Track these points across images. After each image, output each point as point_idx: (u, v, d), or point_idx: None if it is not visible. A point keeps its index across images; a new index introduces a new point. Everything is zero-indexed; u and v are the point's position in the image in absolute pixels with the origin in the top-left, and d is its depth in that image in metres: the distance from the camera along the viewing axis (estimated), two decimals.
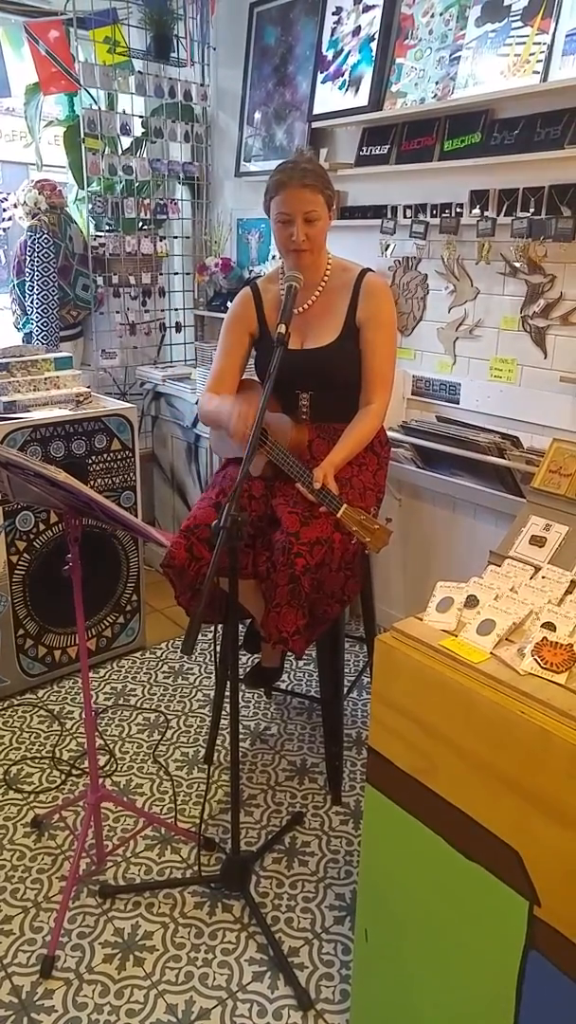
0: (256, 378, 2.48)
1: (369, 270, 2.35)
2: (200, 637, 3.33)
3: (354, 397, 2.35)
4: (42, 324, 3.55)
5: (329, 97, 3.07)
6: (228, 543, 1.72)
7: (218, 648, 2.35)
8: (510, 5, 2.42)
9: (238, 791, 2.03)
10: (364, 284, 2.31)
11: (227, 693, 2.09)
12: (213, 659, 3.19)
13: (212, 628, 3.15)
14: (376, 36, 2.86)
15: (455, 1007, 1.39)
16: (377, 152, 2.95)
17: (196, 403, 3.52)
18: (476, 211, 2.62)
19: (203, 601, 1.65)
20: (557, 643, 1.25)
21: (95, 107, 3.45)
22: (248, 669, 2.70)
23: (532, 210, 2.46)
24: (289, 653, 2.94)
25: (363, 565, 2.27)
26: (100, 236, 3.67)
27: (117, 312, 3.81)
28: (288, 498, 2.20)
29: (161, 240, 3.85)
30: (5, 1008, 1.80)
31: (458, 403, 2.88)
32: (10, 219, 3.66)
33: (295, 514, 2.12)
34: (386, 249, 2.98)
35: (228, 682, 1.93)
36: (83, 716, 2.82)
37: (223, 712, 2.53)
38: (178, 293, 4.09)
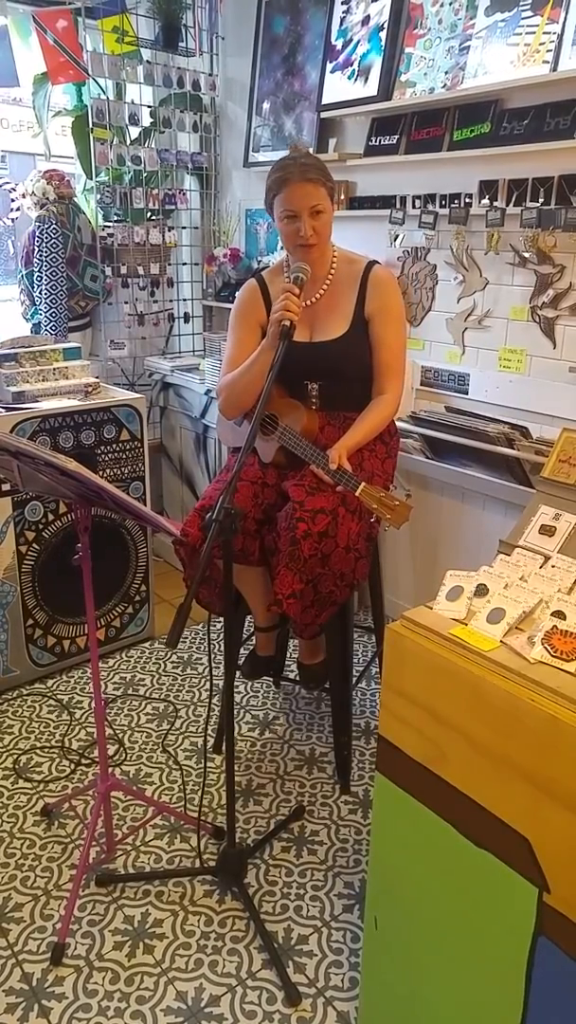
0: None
1: (375, 262, 2.35)
2: (203, 628, 3.36)
3: (363, 387, 2.36)
4: (50, 314, 3.55)
5: (338, 87, 3.06)
6: (221, 536, 1.72)
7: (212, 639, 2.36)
8: None
9: (233, 787, 2.03)
10: (372, 277, 2.31)
11: (221, 683, 2.09)
12: (218, 650, 3.19)
13: (214, 620, 3.16)
14: (385, 25, 2.85)
15: (464, 994, 1.40)
16: (386, 142, 2.94)
17: (212, 393, 3.52)
18: (485, 201, 2.61)
19: (189, 597, 1.65)
20: (567, 631, 1.25)
21: (103, 97, 3.44)
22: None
23: (541, 200, 2.45)
24: (292, 641, 2.94)
25: (372, 551, 2.27)
26: (108, 226, 3.67)
27: (125, 302, 3.81)
28: (299, 478, 2.21)
29: (169, 230, 3.85)
30: (16, 995, 1.81)
31: (467, 393, 2.87)
32: (18, 209, 3.66)
33: (301, 486, 2.16)
34: (395, 239, 2.98)
35: (225, 672, 1.94)
36: (92, 706, 2.83)
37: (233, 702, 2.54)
38: (186, 283, 4.09)
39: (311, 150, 3.14)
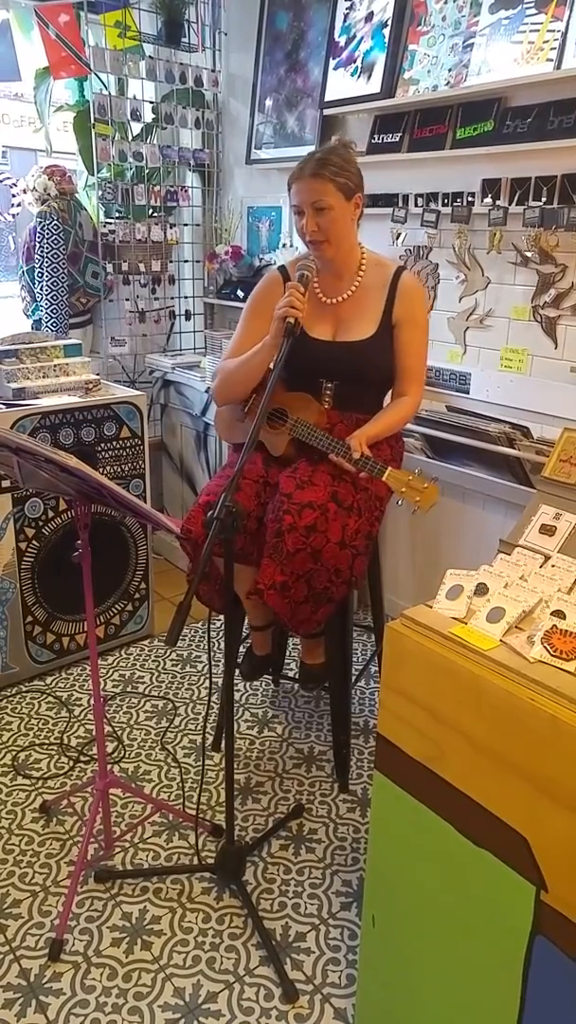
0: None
1: (403, 268, 2.34)
2: (203, 627, 3.36)
3: (379, 391, 2.37)
4: (51, 311, 3.55)
5: (341, 84, 3.05)
6: (222, 534, 1.72)
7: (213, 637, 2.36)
8: None
9: (232, 784, 2.03)
10: (401, 284, 2.30)
11: (220, 681, 2.09)
12: (218, 648, 3.19)
13: (214, 618, 3.16)
14: (389, 22, 2.84)
15: (461, 992, 1.40)
16: (389, 140, 2.93)
17: (208, 389, 3.52)
18: (488, 200, 2.61)
19: (189, 595, 1.65)
20: (567, 631, 1.25)
21: (105, 92, 3.44)
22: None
23: (544, 199, 2.45)
24: (293, 640, 2.94)
25: (372, 549, 2.26)
26: (110, 223, 3.66)
27: (127, 299, 3.81)
28: (292, 470, 2.22)
29: (171, 227, 3.84)
30: (14, 991, 1.82)
31: (468, 393, 2.87)
32: (19, 205, 3.65)
33: (293, 478, 2.16)
34: (397, 238, 2.97)
35: (224, 670, 1.94)
36: (91, 703, 2.84)
37: (232, 700, 2.54)
38: (188, 281, 4.09)
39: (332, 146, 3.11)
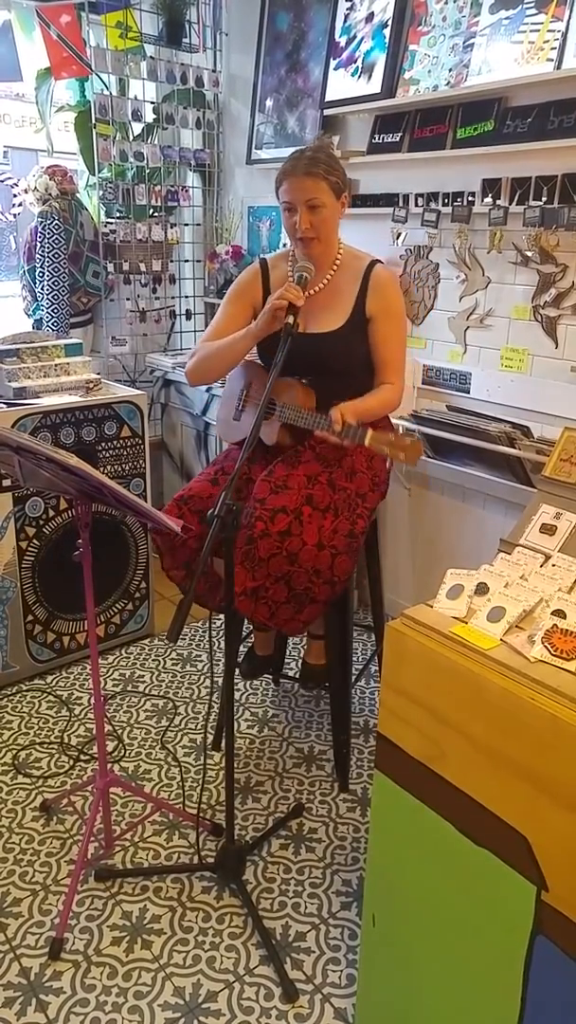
0: (255, 360, 2.49)
1: (378, 261, 2.35)
2: (203, 625, 3.36)
3: (352, 383, 2.37)
4: (52, 310, 3.55)
5: (341, 84, 3.05)
6: (222, 532, 1.72)
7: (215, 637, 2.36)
8: None
9: (232, 783, 2.03)
10: (373, 276, 2.32)
11: (220, 680, 2.09)
12: (219, 647, 3.19)
13: (215, 617, 3.16)
14: (389, 22, 2.84)
15: (462, 992, 1.40)
16: (389, 140, 2.93)
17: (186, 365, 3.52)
18: (488, 200, 2.61)
19: (191, 592, 1.65)
20: (567, 631, 1.25)
21: (106, 93, 3.44)
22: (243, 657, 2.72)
23: (544, 199, 2.45)
24: (293, 639, 2.95)
25: (356, 548, 2.25)
26: (111, 223, 3.66)
27: (127, 299, 3.81)
28: (268, 472, 2.22)
29: (172, 227, 3.84)
30: (14, 989, 1.82)
31: (468, 392, 2.87)
32: (20, 205, 3.65)
33: (267, 482, 2.16)
34: (397, 238, 2.97)
35: (225, 669, 1.94)
36: (91, 702, 2.84)
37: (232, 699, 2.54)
38: (188, 280, 4.09)
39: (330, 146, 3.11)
